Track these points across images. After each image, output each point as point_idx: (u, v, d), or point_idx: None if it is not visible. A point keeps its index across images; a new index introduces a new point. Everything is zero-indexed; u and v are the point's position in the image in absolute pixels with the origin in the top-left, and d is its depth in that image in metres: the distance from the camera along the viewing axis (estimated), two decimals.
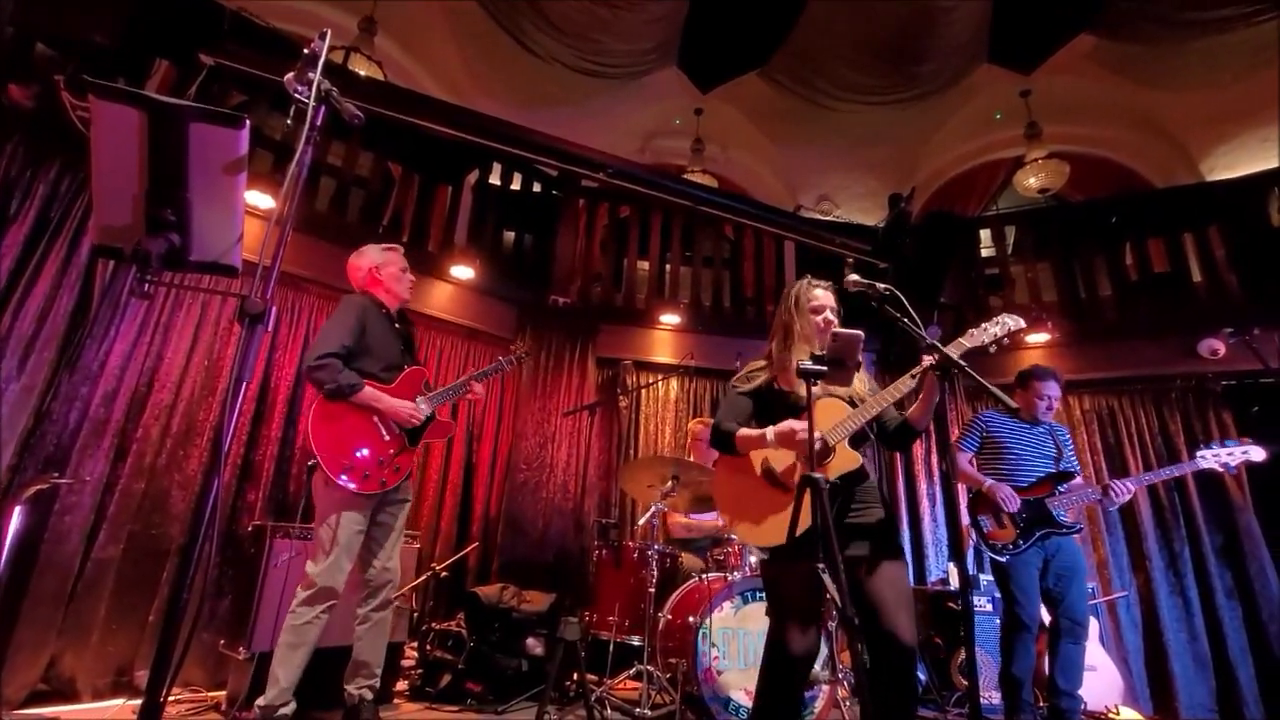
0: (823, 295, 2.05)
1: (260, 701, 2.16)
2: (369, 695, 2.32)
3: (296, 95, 1.25)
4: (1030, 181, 6.34)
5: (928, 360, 1.82)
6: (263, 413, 3.39)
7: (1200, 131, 6.23)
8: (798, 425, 1.79)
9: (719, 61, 6.63)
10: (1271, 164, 5.18)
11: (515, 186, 5.20)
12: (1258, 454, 2.94)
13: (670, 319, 4.92)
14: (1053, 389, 3.21)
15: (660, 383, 4.74)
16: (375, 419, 2.33)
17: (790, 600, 1.81)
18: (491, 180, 5.11)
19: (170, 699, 2.67)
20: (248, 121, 1.02)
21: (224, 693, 2.65)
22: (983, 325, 1.91)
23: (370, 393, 2.30)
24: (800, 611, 1.79)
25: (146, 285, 1.02)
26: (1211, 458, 2.97)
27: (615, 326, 4.89)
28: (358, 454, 2.27)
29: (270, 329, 1.08)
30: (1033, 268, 5.11)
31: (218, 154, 1.04)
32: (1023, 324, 1.92)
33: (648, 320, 4.97)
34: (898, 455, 4.65)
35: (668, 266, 5.32)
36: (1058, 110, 6.49)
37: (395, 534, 2.44)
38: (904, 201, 5.21)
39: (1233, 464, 2.97)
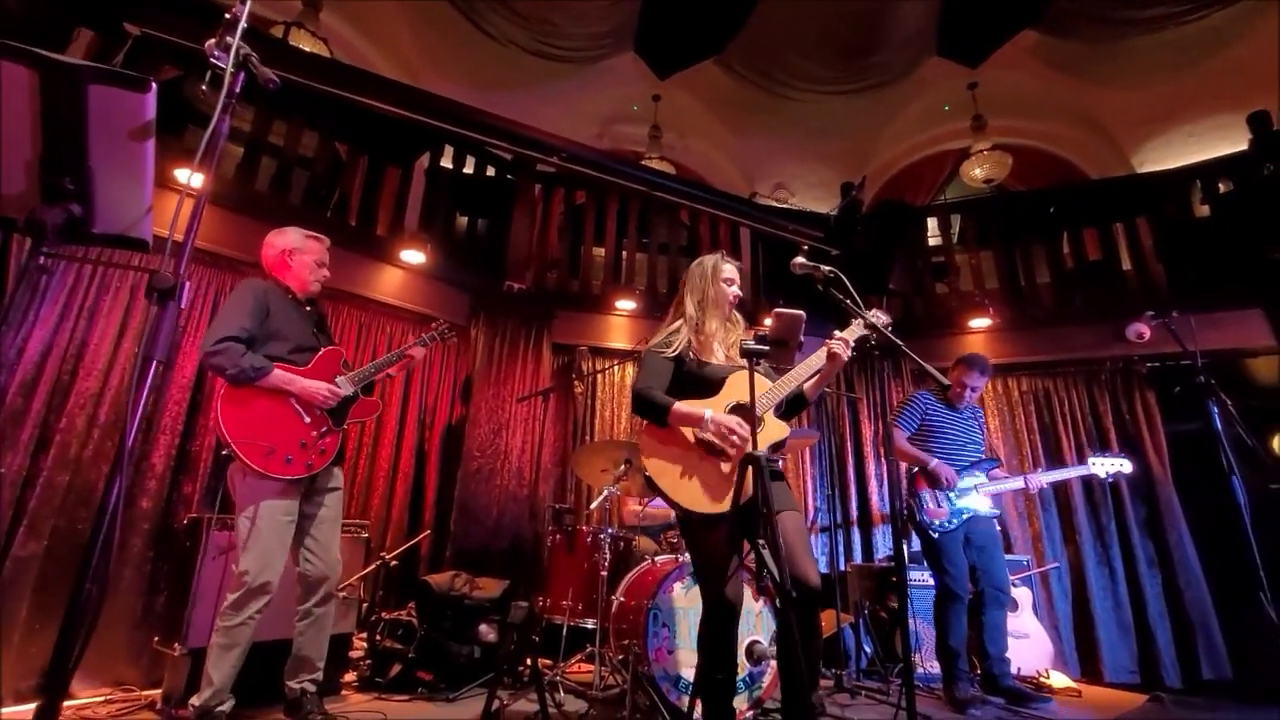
0: (732, 270, 2.19)
1: (194, 701, 2.09)
2: (311, 688, 2.26)
3: (214, 61, 1.19)
4: (976, 172, 6.55)
5: (839, 334, 1.92)
6: (199, 402, 3.25)
7: (1132, 127, 6.53)
8: (739, 427, 1.87)
9: (676, 48, 6.61)
10: (1196, 158, 5.46)
11: (468, 170, 5.09)
12: (1127, 467, 3.43)
13: (626, 305, 4.92)
14: (978, 380, 3.38)
15: (616, 368, 4.74)
16: (292, 402, 2.24)
17: (717, 557, 1.92)
18: (443, 164, 4.99)
19: (100, 699, 2.58)
20: (154, 85, 0.96)
21: (159, 691, 2.55)
22: (863, 316, 2.02)
23: (281, 375, 2.20)
24: (727, 564, 1.91)
25: (44, 259, 0.96)
26: (1098, 466, 3.40)
27: (571, 313, 4.86)
28: (276, 439, 2.16)
29: (184, 306, 1.03)
30: (976, 256, 5.29)
31: (122, 119, 0.98)
32: (889, 321, 2.05)
33: (604, 306, 4.95)
34: (848, 436, 4.77)
35: (624, 253, 5.31)
36: (1002, 104, 6.71)
37: (331, 524, 2.35)
38: (855, 190, 5.31)
39: (1110, 474, 3.34)
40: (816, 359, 1.98)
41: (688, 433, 1.95)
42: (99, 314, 3.06)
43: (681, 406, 1.95)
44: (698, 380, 2.02)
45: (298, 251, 2.42)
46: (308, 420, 2.26)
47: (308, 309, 2.45)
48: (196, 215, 1.09)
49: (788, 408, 2.11)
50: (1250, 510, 2.73)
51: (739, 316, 2.23)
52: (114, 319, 3.08)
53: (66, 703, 2.51)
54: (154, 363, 0.99)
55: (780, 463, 2.11)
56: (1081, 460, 4.33)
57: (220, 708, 2.09)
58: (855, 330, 1.99)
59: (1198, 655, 3.77)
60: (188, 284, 1.05)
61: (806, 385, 2.03)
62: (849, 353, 1.96)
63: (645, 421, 2.05)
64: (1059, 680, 3.60)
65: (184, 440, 3.17)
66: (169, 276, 0.98)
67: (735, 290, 2.19)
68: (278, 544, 2.15)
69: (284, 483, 2.16)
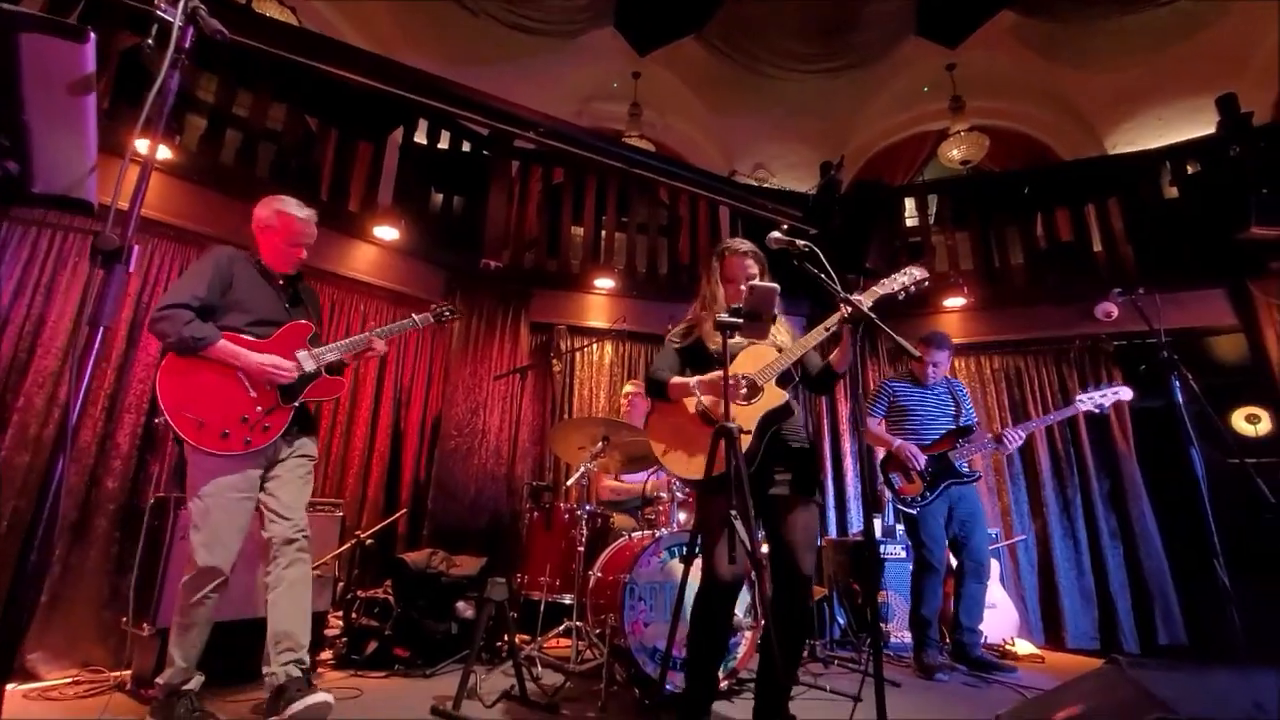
0: (738, 264, 2.18)
1: (160, 679, 2.03)
2: (295, 671, 2.01)
3: (161, 13, 1.13)
4: (953, 153, 6.59)
5: (842, 311, 1.92)
6: None
7: (1106, 109, 6.61)
8: (717, 377, 1.93)
9: (656, 23, 6.51)
10: (1166, 141, 5.55)
11: (443, 146, 4.98)
12: (1126, 394, 3.32)
13: (605, 283, 4.88)
14: (937, 356, 3.45)
15: (594, 346, 4.72)
16: (239, 375, 2.13)
17: (714, 528, 1.94)
18: (417, 139, 4.88)
19: (68, 680, 2.54)
20: (92, 35, 0.91)
21: (129, 671, 2.52)
22: (892, 275, 2.01)
23: (227, 348, 2.08)
24: (719, 535, 1.90)
25: None
26: (1088, 400, 3.30)
27: (549, 291, 4.82)
28: (211, 412, 2.04)
29: (131, 269, 0.99)
30: (952, 236, 5.34)
31: (59, 70, 0.93)
32: (927, 275, 2.04)
33: (582, 285, 4.91)
34: (825, 416, 4.83)
35: (603, 232, 5.26)
36: (980, 85, 6.74)
37: (295, 484, 2.21)
38: (834, 169, 5.31)
39: (1106, 404, 3.29)
40: (820, 329, 2.00)
41: (689, 404, 2.05)
42: (57, 290, 2.96)
43: (677, 379, 2.08)
44: (704, 360, 2.12)
45: (270, 229, 2.31)
46: (253, 394, 2.14)
47: (281, 282, 2.34)
48: (144, 177, 1.04)
49: (819, 379, 2.15)
50: (1208, 483, 2.82)
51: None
52: (73, 295, 2.98)
53: (33, 685, 2.47)
54: (99, 329, 0.95)
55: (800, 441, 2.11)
56: (1051, 436, 4.44)
57: (187, 685, 2.04)
58: (866, 298, 1.94)
59: (1155, 622, 3.92)
60: (136, 248, 1.01)
61: (833, 357, 2.08)
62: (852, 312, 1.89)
63: (655, 402, 2.18)
64: (1024, 648, 3.72)
65: (150, 419, 3.10)
66: (113, 238, 0.94)
67: (748, 273, 2.15)
68: (228, 523, 2.05)
69: (233, 459, 2.06)
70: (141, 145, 3.14)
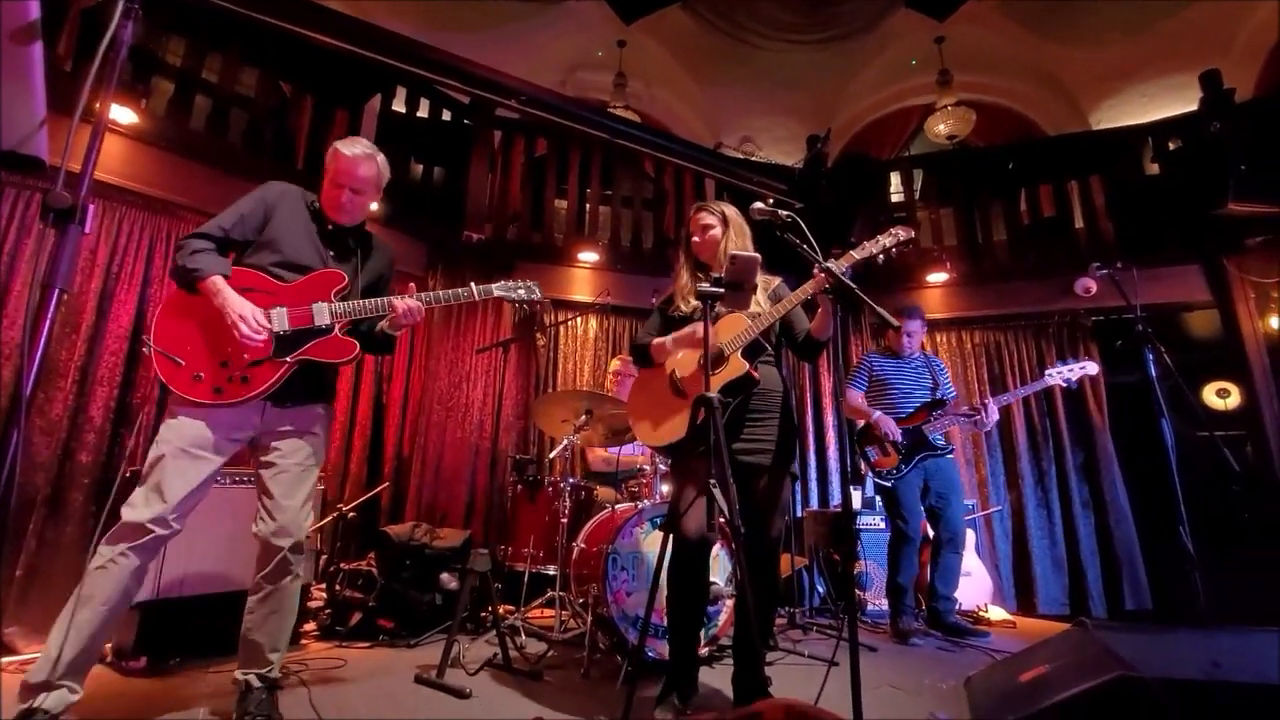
0: (704, 218, 2.24)
1: (26, 677, 1.61)
2: (256, 682, 1.84)
3: None
4: (940, 128, 6.55)
5: (817, 279, 1.90)
6: (137, 352, 3.11)
7: (1092, 85, 6.60)
8: (694, 329, 2.04)
9: None
10: (1149, 118, 5.56)
11: (423, 114, 4.86)
12: (1092, 368, 3.40)
13: (589, 256, 4.84)
14: (910, 325, 3.50)
15: (578, 320, 4.70)
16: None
17: (681, 490, 2.00)
18: (395, 107, 4.75)
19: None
20: None
21: (109, 645, 2.50)
22: (875, 237, 2.00)
23: (214, 284, 1.81)
24: (689, 499, 1.96)
25: None
26: (1057, 374, 3.38)
27: (532, 264, 4.76)
28: (192, 352, 1.82)
29: (88, 230, 0.95)
30: (936, 212, 5.35)
31: (2, 19, 0.88)
32: (912, 234, 2.03)
33: (566, 258, 4.86)
34: (808, 389, 4.87)
35: (587, 205, 5.19)
36: (967, 59, 6.68)
37: (291, 477, 1.91)
38: (820, 143, 5.27)
39: (1074, 379, 3.36)
40: (790, 297, 2.02)
41: (666, 374, 2.12)
42: (21, 259, 2.86)
43: (657, 340, 2.17)
44: (679, 326, 2.17)
45: (335, 173, 2.04)
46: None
47: (329, 228, 2.06)
48: (98, 131, 1.00)
49: (804, 345, 2.15)
50: (1177, 455, 2.89)
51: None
52: (40, 265, 2.89)
53: (11, 658, 2.45)
54: (54, 290, 0.92)
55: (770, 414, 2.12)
56: (1028, 409, 4.52)
57: (47, 696, 1.57)
58: (845, 261, 1.94)
59: (1123, 588, 4.05)
60: (92, 208, 0.97)
61: (814, 325, 2.09)
62: (829, 281, 1.87)
63: (640, 371, 2.28)
64: (997, 614, 3.83)
65: (123, 392, 3.04)
66: (65, 195, 0.90)
67: (707, 240, 2.21)
68: (176, 477, 1.74)
69: (200, 407, 1.80)
70: (120, 113, 3.02)
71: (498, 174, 4.95)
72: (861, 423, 3.47)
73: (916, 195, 5.49)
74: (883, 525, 3.94)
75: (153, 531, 1.71)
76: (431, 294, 2.12)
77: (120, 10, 1.03)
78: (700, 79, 7.21)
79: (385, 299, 2.02)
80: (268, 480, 1.90)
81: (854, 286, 1.83)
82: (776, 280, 2.24)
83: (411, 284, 2.12)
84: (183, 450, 1.77)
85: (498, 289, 2.27)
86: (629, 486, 3.34)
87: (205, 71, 3.83)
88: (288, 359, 1.90)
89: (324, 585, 3.16)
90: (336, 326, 1.96)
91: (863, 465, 3.49)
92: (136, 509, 1.72)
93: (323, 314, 1.94)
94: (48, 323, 0.92)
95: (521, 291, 2.33)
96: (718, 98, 7.32)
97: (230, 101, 3.83)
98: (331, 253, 2.05)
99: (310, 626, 2.99)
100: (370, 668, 2.50)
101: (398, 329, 2.06)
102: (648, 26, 6.71)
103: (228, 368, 1.84)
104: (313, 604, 3.09)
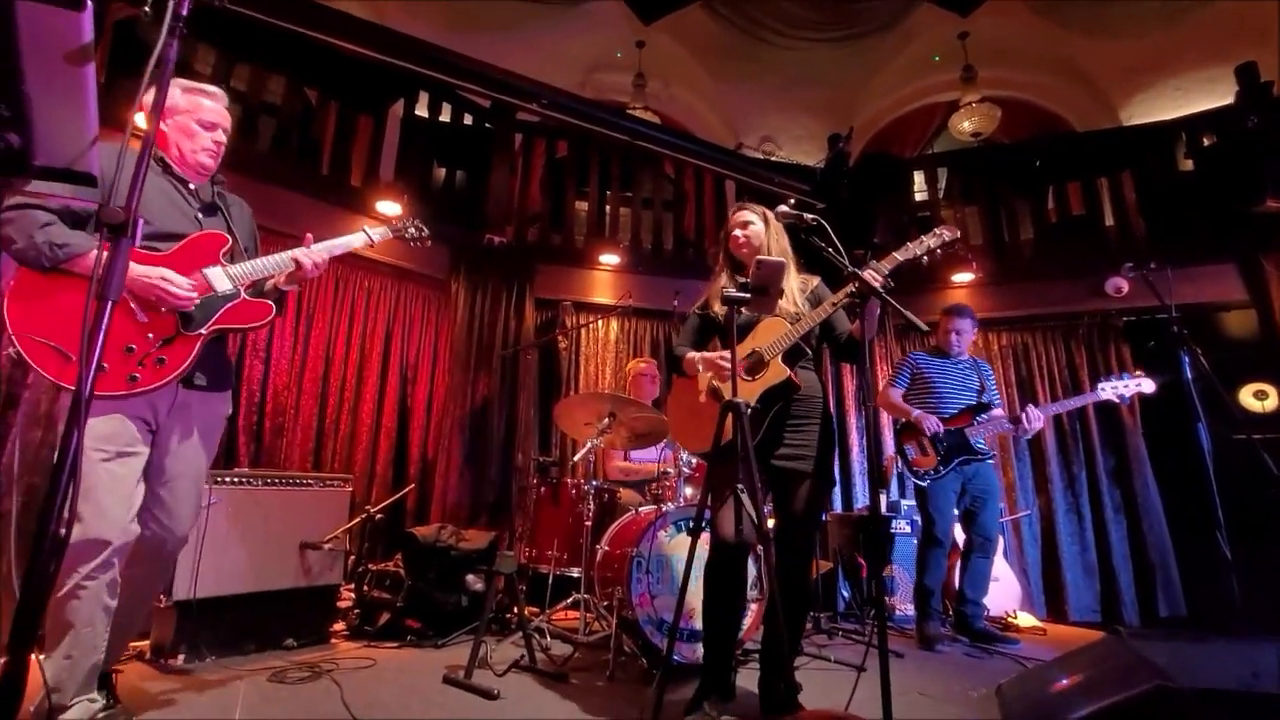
0: (742, 216, 2.20)
1: (30, 706, 1.51)
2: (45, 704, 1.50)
3: None
4: (964, 125, 6.46)
5: (850, 286, 1.90)
6: None
7: (1121, 79, 6.45)
8: (718, 356, 1.99)
9: None
10: (1182, 112, 5.42)
11: (445, 118, 4.91)
12: (1148, 386, 3.25)
13: (610, 259, 4.85)
14: (959, 324, 3.41)
15: (599, 323, 4.71)
16: (124, 296, 1.59)
17: (717, 494, 1.98)
18: (418, 112, 4.81)
19: None
20: (89, 3, 0.89)
21: (147, 642, 2.57)
22: (920, 238, 1.98)
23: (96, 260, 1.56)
24: (724, 503, 1.94)
25: None
26: (1110, 389, 3.25)
27: (553, 267, 4.79)
28: (73, 338, 1.52)
29: (136, 243, 0.98)
30: (962, 210, 5.27)
31: (56, 40, 0.91)
32: (958, 234, 2.01)
33: (587, 261, 4.89)
34: (831, 391, 4.83)
35: (607, 207, 5.21)
36: (992, 54, 6.57)
37: (188, 483, 1.76)
38: (842, 142, 5.23)
39: (1127, 395, 3.25)
40: (827, 303, 2.00)
41: (701, 381, 2.10)
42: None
43: (690, 354, 2.11)
44: (714, 330, 2.18)
45: (171, 110, 1.78)
46: (143, 319, 1.62)
47: (191, 188, 1.84)
48: (147, 149, 1.03)
49: (845, 348, 2.14)
50: (1213, 458, 2.82)
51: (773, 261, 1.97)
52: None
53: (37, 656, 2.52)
54: (109, 303, 0.95)
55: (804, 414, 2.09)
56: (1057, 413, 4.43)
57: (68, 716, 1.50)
58: (887, 264, 1.93)
59: (1156, 594, 3.96)
60: (141, 220, 1.00)
61: (854, 328, 2.08)
62: (878, 283, 1.84)
63: (675, 379, 2.25)
64: (1026, 620, 3.76)
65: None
66: (119, 211, 0.93)
67: (750, 235, 2.15)
68: (108, 484, 1.57)
69: (114, 400, 1.58)
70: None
71: (518, 176, 4.99)
72: (902, 420, 3.41)
73: (941, 194, 5.41)
74: (909, 529, 3.89)
75: (108, 547, 1.57)
76: (326, 243, 1.96)
77: (166, 29, 1.06)
78: (720, 78, 7.19)
79: (287, 254, 1.85)
80: (160, 484, 1.74)
81: (884, 294, 1.82)
82: (815, 280, 2.21)
83: (308, 234, 1.95)
84: (108, 458, 1.59)
85: (391, 230, 2.30)
86: (652, 489, 3.34)
87: (234, 80, 3.92)
88: (202, 331, 1.70)
89: (353, 585, 3.21)
90: (241, 290, 1.79)
91: (894, 465, 3.44)
92: (88, 525, 1.54)
93: (221, 279, 1.74)
94: (101, 333, 0.95)
95: (412, 230, 2.37)
96: (737, 97, 7.29)
97: (258, 109, 3.91)
98: (198, 214, 1.83)
99: (340, 626, 3.05)
100: (399, 667, 2.53)
101: (294, 285, 1.92)
102: (667, 26, 6.71)
103: (134, 354, 1.60)
104: (342, 604, 3.15)
